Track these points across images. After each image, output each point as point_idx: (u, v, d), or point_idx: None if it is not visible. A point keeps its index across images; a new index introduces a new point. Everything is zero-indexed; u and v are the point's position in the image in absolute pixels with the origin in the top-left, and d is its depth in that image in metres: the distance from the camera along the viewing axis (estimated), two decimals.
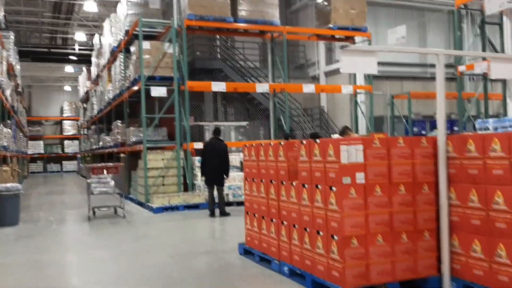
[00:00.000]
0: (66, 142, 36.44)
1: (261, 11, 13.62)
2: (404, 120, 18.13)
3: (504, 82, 13.64)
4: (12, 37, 17.62)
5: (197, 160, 12.46)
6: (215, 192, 10.56)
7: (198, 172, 12.33)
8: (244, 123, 16.97)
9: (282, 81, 14.31)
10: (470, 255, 4.53)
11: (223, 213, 10.50)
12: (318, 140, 4.88)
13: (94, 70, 23.26)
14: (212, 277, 5.81)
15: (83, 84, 29.15)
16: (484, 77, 13.40)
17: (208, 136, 15.58)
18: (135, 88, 13.53)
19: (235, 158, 12.81)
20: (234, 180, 12.02)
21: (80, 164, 31.42)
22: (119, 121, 16.54)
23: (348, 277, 4.48)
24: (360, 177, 4.56)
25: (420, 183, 4.84)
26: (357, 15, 14.64)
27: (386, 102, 18.81)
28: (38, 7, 22.23)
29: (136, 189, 13.98)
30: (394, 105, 18.47)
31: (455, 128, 17.74)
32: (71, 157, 35.61)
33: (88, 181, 10.75)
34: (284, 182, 5.57)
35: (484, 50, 13.54)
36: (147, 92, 12.64)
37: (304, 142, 5.15)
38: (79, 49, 25.93)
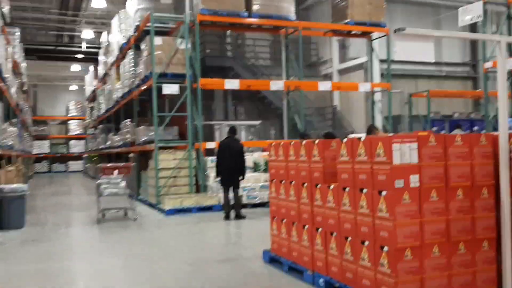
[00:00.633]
0: (71, 142, 35.99)
1: (277, 6, 13.03)
2: (423, 119, 17.51)
3: None
4: (18, 33, 17.12)
5: (209, 161, 11.94)
6: (230, 194, 10.05)
7: (210, 173, 11.81)
8: (256, 123, 16.43)
9: (296, 79, 13.76)
10: None
11: (239, 216, 9.97)
12: (363, 137, 4.33)
13: (101, 69, 22.81)
14: None
15: (90, 83, 28.71)
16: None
17: (218, 135, 15.06)
18: (146, 86, 13.02)
19: (248, 158, 12.25)
20: (249, 181, 11.47)
21: (86, 164, 30.96)
22: (128, 120, 16.04)
23: None
24: (414, 180, 4.00)
25: (479, 187, 4.28)
26: (375, 10, 14.07)
27: (404, 101, 18.18)
28: (45, 3, 21.75)
29: (146, 190, 13.46)
30: (411, 103, 17.88)
31: (475, 128, 17.14)
32: (77, 157, 35.16)
33: (98, 181, 10.26)
34: (318, 185, 5.03)
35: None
36: (158, 90, 12.14)
37: (345, 140, 4.61)
38: (86, 47, 25.43)
